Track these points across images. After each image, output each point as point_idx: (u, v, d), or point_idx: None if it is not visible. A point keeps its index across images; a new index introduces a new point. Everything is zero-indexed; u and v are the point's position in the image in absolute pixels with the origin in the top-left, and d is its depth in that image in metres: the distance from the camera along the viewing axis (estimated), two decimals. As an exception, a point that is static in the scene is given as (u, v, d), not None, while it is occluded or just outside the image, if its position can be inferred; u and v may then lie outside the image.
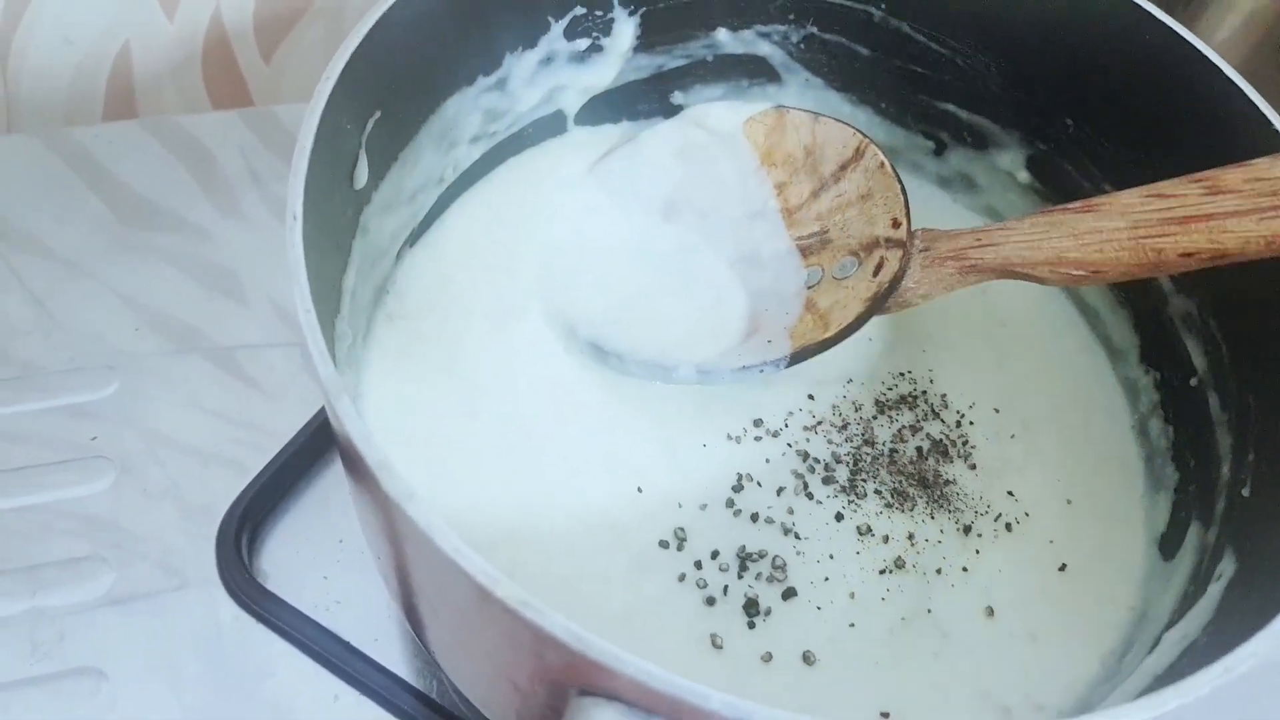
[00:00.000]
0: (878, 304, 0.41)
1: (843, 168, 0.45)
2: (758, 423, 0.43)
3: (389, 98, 0.37)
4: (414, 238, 0.46)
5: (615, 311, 0.44)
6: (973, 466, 0.43)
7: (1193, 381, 0.42)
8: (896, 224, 0.42)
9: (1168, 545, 0.41)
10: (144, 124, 0.60)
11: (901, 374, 0.45)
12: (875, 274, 0.42)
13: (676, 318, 0.44)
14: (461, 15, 0.41)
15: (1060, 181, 0.47)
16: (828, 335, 0.41)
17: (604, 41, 0.48)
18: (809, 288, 0.44)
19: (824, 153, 0.45)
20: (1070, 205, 0.38)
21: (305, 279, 0.27)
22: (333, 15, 0.65)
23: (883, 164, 0.44)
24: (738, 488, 0.41)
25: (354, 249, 0.38)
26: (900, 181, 0.43)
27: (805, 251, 0.45)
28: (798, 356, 0.41)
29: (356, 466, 0.27)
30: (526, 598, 0.24)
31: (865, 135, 0.45)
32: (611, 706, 0.24)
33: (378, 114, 0.37)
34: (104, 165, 0.58)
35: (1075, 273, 0.38)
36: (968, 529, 0.41)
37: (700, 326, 0.44)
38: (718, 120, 0.48)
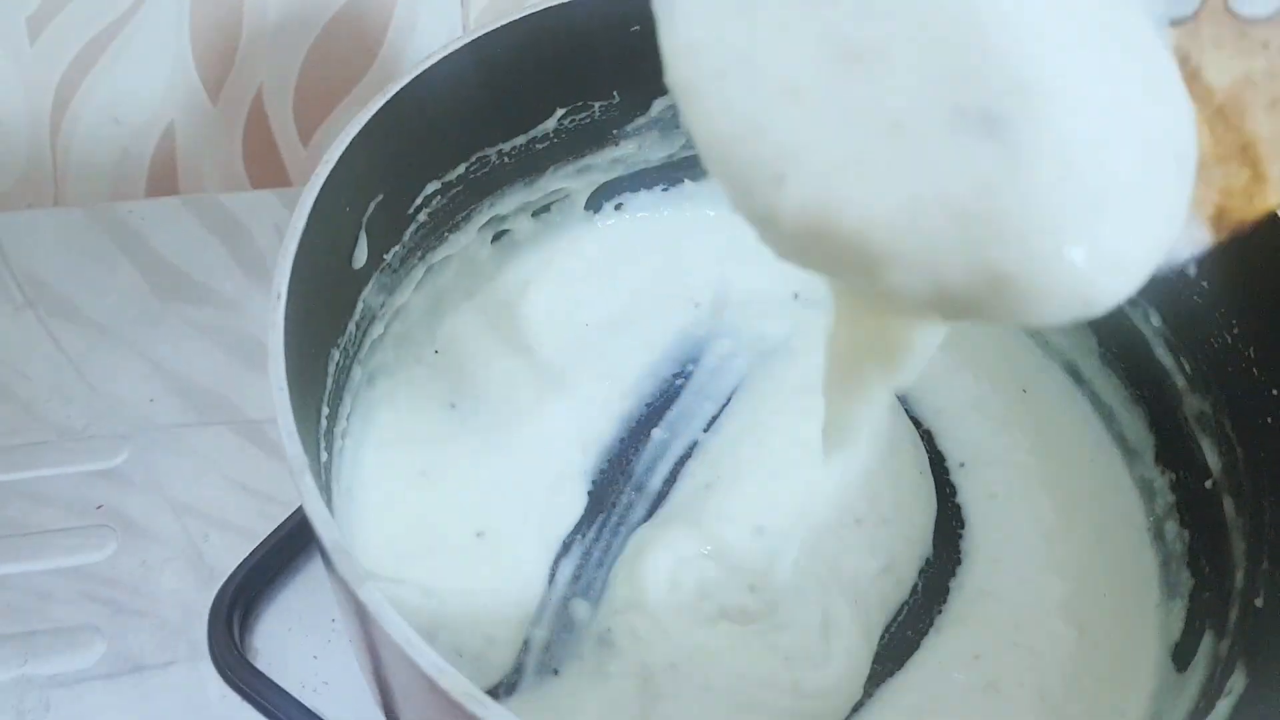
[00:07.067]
0: None
1: None
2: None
3: (392, 183, 0.38)
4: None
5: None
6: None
7: (1208, 484, 0.40)
8: None
9: (1181, 655, 0.39)
10: (185, 200, 0.62)
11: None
12: None
13: None
14: (473, 109, 0.42)
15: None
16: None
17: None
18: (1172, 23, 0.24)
19: None
20: None
21: (282, 358, 0.27)
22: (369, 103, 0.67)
23: None
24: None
25: (347, 328, 0.38)
26: None
27: None
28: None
29: (320, 547, 0.27)
30: (471, 690, 0.24)
31: None
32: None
33: (380, 197, 0.37)
34: (143, 238, 0.60)
35: None
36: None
37: None
38: None
